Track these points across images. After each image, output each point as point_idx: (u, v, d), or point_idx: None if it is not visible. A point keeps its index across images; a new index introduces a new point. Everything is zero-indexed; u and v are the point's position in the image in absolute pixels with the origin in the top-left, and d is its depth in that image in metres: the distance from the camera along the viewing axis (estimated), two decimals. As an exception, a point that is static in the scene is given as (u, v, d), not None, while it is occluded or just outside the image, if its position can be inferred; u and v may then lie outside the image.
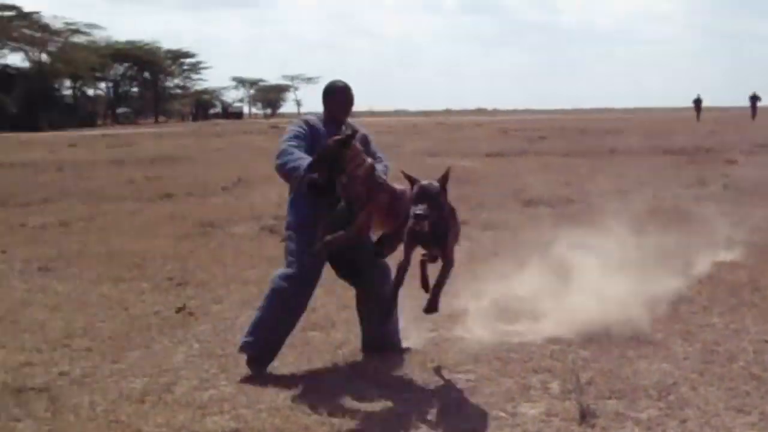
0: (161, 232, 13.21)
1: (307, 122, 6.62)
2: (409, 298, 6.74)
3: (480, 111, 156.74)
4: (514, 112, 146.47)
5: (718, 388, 5.79)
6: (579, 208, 14.50)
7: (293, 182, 6.27)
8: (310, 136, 6.46)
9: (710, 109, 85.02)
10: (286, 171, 6.24)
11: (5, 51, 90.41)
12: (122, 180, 21.89)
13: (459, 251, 10.29)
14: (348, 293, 7.16)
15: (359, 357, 6.64)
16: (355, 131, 6.12)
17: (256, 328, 6.38)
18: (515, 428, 5.19)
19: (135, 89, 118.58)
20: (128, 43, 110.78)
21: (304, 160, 6.11)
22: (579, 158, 26.00)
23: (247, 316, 7.54)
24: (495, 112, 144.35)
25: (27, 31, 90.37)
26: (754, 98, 63.65)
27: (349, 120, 6.76)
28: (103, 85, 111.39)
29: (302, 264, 6.34)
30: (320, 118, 6.69)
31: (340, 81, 6.75)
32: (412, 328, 7.28)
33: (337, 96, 6.66)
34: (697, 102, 63.51)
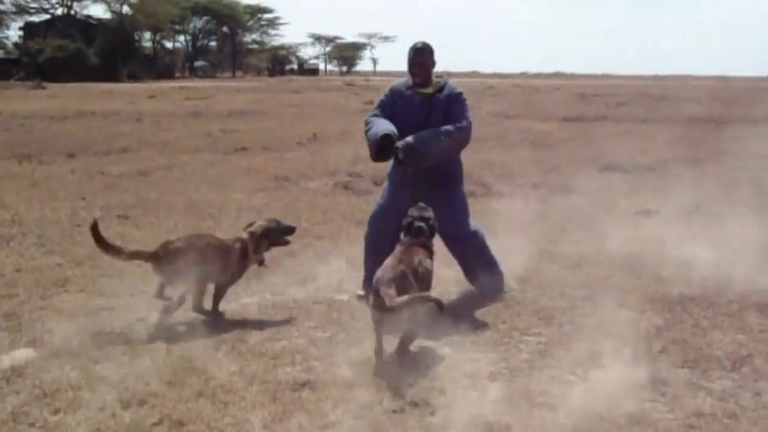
0: (237, 184, 13.35)
1: (391, 90, 7.21)
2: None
3: (557, 75, 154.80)
4: (593, 76, 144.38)
5: (793, 362, 5.70)
6: (655, 175, 14.31)
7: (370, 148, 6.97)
8: (392, 101, 7.12)
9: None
10: (367, 139, 6.98)
11: (88, 2, 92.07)
12: (199, 132, 22.14)
13: (533, 213, 10.30)
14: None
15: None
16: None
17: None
18: (585, 393, 5.17)
19: (213, 43, 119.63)
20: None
21: (378, 129, 6.82)
22: (657, 125, 25.58)
23: (322, 271, 7.65)
24: (573, 76, 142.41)
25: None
26: None
27: (447, 80, 7.15)
28: (182, 38, 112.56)
29: (379, 205, 7.39)
30: (407, 81, 7.15)
31: (417, 42, 7.12)
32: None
33: (409, 57, 7.08)
34: None
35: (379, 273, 5.64)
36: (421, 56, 7.02)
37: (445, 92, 6.99)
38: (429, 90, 7.01)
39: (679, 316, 6.64)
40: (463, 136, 6.91)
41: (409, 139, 6.69)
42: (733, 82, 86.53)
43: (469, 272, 7.27)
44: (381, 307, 5.39)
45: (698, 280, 7.55)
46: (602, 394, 5.13)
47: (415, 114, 6.94)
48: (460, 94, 7.02)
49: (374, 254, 6.94)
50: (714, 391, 5.20)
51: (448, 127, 6.81)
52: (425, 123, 6.87)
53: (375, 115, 7.09)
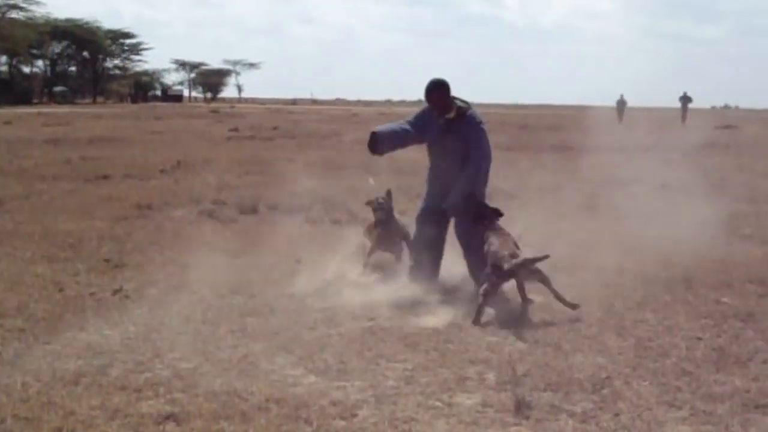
0: (98, 213, 13.03)
1: (426, 108, 8.50)
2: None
3: (421, 102, 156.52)
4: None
5: (650, 383, 5.86)
6: (517, 202, 14.59)
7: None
8: (423, 116, 8.55)
9: (647, 109, 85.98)
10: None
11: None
12: (58, 160, 21.54)
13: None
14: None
15: (297, 343, 6.62)
16: None
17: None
18: (451, 418, 5.22)
19: (73, 68, 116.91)
20: (67, 21, 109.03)
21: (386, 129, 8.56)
22: (519, 153, 26.15)
23: (185, 301, 7.52)
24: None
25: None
26: (685, 99, 56.38)
27: (469, 107, 8.35)
28: (40, 62, 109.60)
29: (421, 207, 9.04)
30: None
31: (433, 79, 8.27)
32: (349, 317, 7.31)
33: (425, 92, 8.27)
34: (621, 103, 55.94)
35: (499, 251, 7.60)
36: (434, 95, 8.25)
37: (465, 120, 8.21)
38: (451, 115, 8.23)
39: (542, 340, 6.77)
40: (484, 171, 8.53)
41: (456, 200, 8.22)
42: (590, 111, 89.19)
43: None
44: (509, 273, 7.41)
45: (559, 305, 7.72)
46: (467, 419, 5.19)
47: (434, 132, 8.37)
48: (478, 124, 8.25)
49: (426, 246, 8.56)
50: (575, 413, 5.31)
51: (471, 172, 8.31)
52: (440, 141, 8.36)
53: (407, 122, 8.57)
